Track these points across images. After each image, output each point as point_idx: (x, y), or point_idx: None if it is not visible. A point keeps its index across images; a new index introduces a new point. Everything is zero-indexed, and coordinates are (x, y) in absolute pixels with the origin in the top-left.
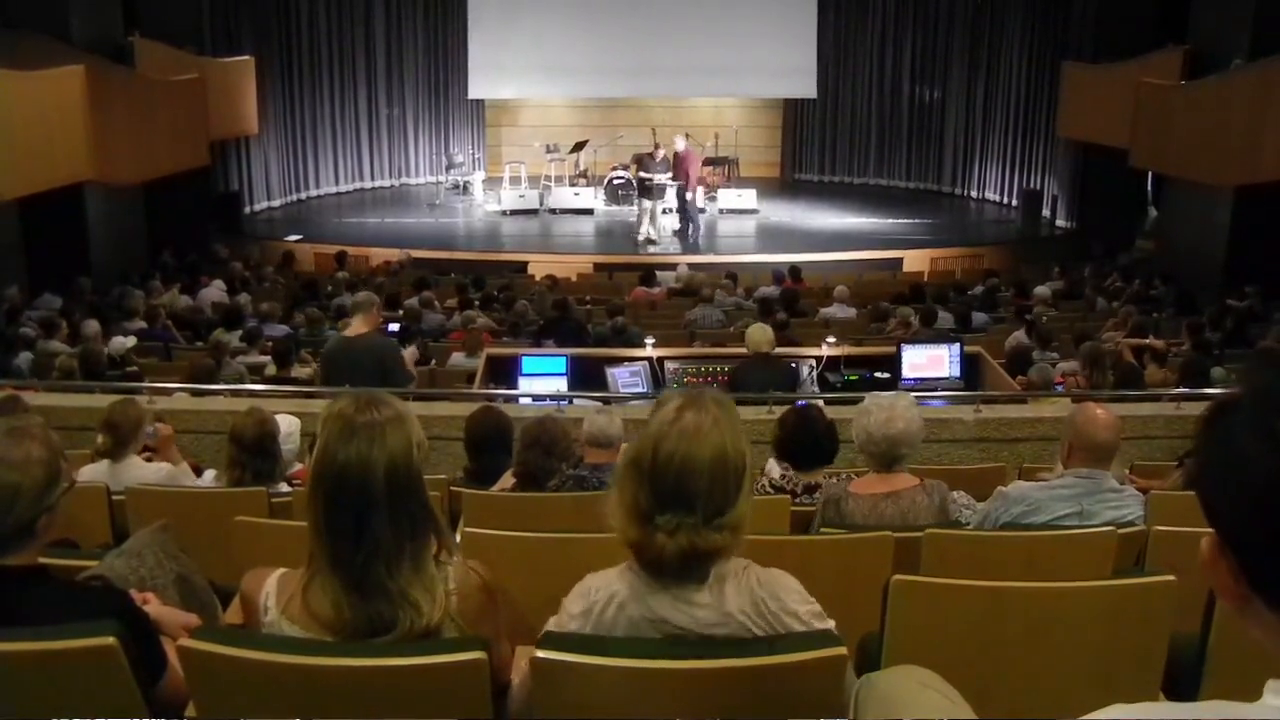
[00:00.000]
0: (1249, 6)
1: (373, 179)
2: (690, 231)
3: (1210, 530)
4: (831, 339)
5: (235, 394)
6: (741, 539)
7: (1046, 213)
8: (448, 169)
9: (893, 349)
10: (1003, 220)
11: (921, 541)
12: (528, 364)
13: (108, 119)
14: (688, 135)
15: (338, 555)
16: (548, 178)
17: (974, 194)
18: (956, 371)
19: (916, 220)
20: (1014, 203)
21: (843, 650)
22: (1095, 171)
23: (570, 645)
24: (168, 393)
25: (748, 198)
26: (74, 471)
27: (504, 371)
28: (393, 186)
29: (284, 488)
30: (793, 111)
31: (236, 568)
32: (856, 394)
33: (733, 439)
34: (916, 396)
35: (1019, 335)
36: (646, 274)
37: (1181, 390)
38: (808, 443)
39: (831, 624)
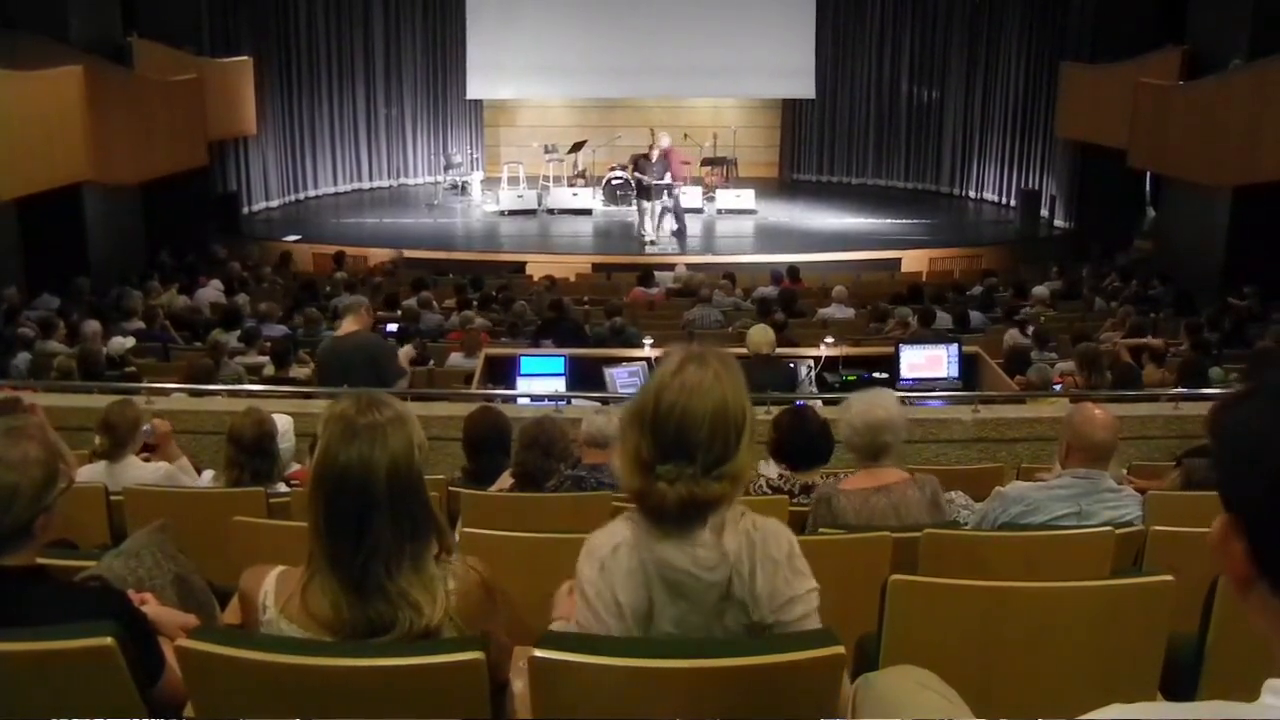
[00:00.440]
0: (1247, 7)
1: (371, 179)
2: (675, 228)
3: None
4: (830, 339)
5: (233, 394)
6: (741, 488)
7: (1045, 213)
8: (446, 169)
9: (891, 349)
10: (1001, 220)
11: (919, 542)
12: (526, 364)
13: (106, 119)
14: (685, 135)
15: (337, 556)
16: (546, 178)
17: (972, 194)
18: (955, 372)
19: (915, 220)
20: (1012, 203)
21: (840, 650)
22: (1093, 172)
23: (569, 645)
24: (166, 393)
25: (746, 198)
26: (72, 471)
27: (502, 372)
28: (391, 187)
29: (282, 488)
30: (791, 112)
31: (234, 568)
32: None
33: (734, 393)
34: (915, 397)
35: (1013, 334)
36: (645, 274)
37: (1180, 390)
38: (803, 443)
39: (814, 584)
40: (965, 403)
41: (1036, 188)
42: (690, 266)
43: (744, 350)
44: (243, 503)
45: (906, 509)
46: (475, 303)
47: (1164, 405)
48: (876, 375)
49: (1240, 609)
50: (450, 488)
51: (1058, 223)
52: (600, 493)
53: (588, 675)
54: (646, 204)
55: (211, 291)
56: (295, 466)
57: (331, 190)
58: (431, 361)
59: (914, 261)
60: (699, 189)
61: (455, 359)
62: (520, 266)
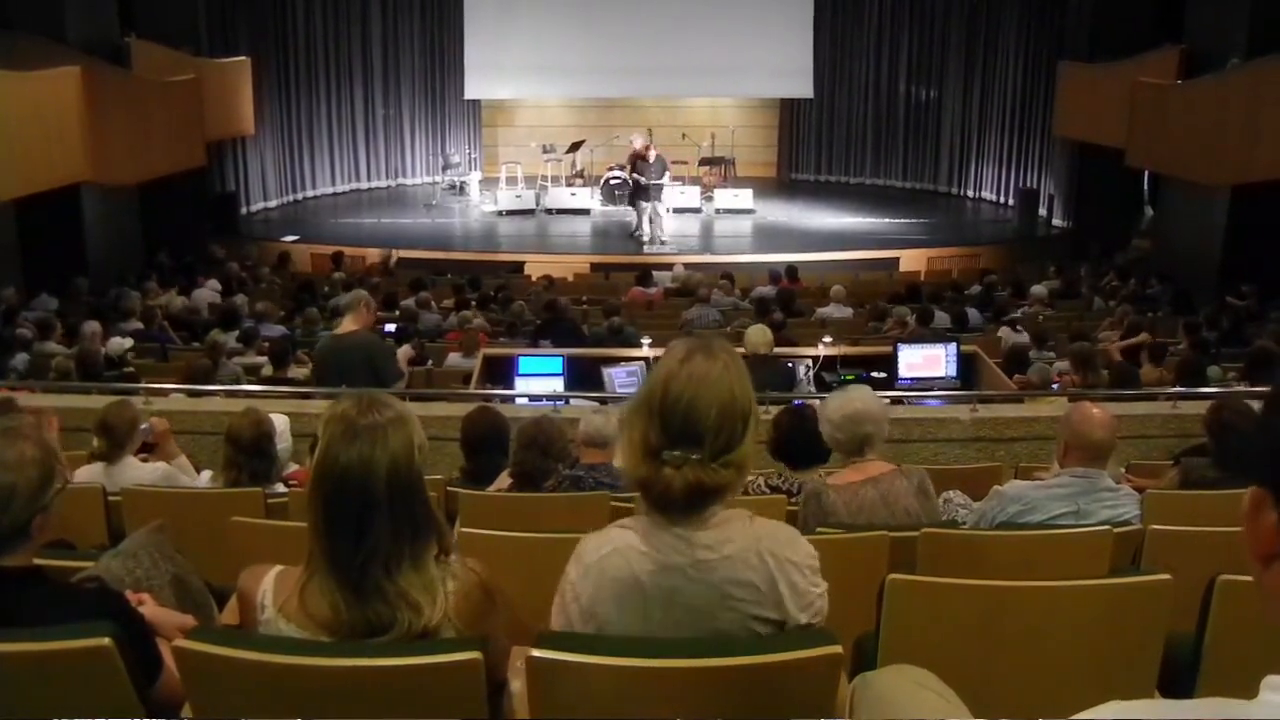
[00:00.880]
0: (1245, 6)
1: (369, 179)
2: (652, 228)
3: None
4: (828, 339)
5: (232, 395)
6: (745, 478)
7: (1043, 212)
8: (444, 169)
9: (889, 349)
10: (999, 220)
11: (917, 541)
12: (524, 364)
13: (104, 120)
14: (684, 135)
15: (337, 556)
16: (544, 178)
17: (970, 193)
18: (953, 371)
19: (913, 220)
20: (1010, 202)
21: (838, 650)
22: (1091, 171)
23: (567, 645)
24: (164, 393)
25: (744, 198)
26: (70, 472)
27: (500, 372)
28: (389, 187)
29: (280, 488)
30: (789, 111)
31: (232, 568)
32: None
33: (740, 384)
34: (913, 396)
35: (1005, 332)
36: (643, 274)
37: (1178, 390)
38: (802, 442)
39: (824, 585)
40: (963, 402)
41: (1034, 187)
42: (688, 266)
43: (742, 350)
44: (241, 503)
45: (895, 498)
46: (474, 303)
47: (1162, 404)
48: (875, 375)
49: (1255, 582)
50: (448, 488)
51: (1056, 222)
52: (598, 493)
53: (585, 675)
54: (645, 204)
55: (209, 292)
56: (293, 467)
57: (330, 190)
58: (430, 361)
59: (912, 261)
60: (697, 189)
61: (453, 359)
62: (518, 266)
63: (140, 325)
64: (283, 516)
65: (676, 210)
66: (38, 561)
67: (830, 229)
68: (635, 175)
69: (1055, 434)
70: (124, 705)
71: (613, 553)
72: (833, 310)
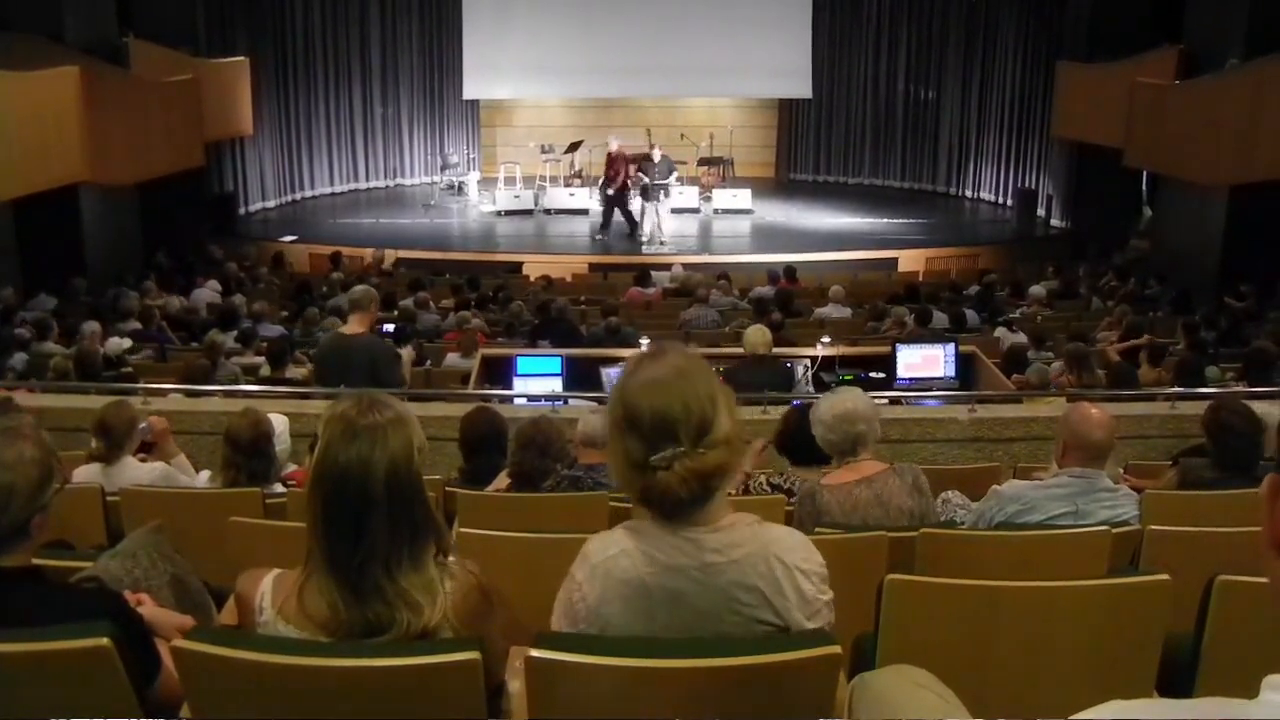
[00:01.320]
0: (1244, 6)
1: (368, 180)
2: (631, 230)
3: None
4: (826, 339)
5: (230, 395)
6: (737, 453)
7: (1041, 212)
8: (443, 169)
9: (888, 349)
10: (998, 220)
11: (916, 541)
12: (522, 364)
13: (102, 120)
14: (682, 135)
15: (335, 556)
16: (543, 178)
17: (969, 194)
18: (951, 371)
19: (911, 220)
20: (1009, 202)
21: (837, 650)
22: (1090, 171)
23: (566, 645)
24: (163, 393)
25: (743, 198)
26: (69, 472)
27: (499, 372)
28: (388, 187)
29: (278, 488)
30: (788, 111)
31: (231, 568)
32: None
33: (695, 372)
34: (912, 396)
35: (1002, 332)
36: (642, 274)
37: (1176, 390)
38: (806, 440)
39: (830, 594)
40: (962, 402)
41: (1033, 187)
42: (687, 266)
43: (741, 350)
44: (239, 503)
45: (890, 497)
46: (472, 303)
47: (1160, 405)
48: (873, 375)
49: (1266, 569)
50: (447, 488)
51: (1054, 222)
52: (597, 493)
53: (584, 675)
54: (648, 204)
55: (208, 292)
56: (291, 467)
57: (328, 190)
58: (429, 361)
59: (910, 261)
60: (696, 189)
61: (452, 359)
62: (517, 267)
63: (139, 325)
64: (281, 517)
65: (675, 210)
66: (36, 561)
67: (828, 229)
68: (640, 175)
69: (1054, 434)
70: (122, 705)
71: (620, 554)
72: (831, 310)
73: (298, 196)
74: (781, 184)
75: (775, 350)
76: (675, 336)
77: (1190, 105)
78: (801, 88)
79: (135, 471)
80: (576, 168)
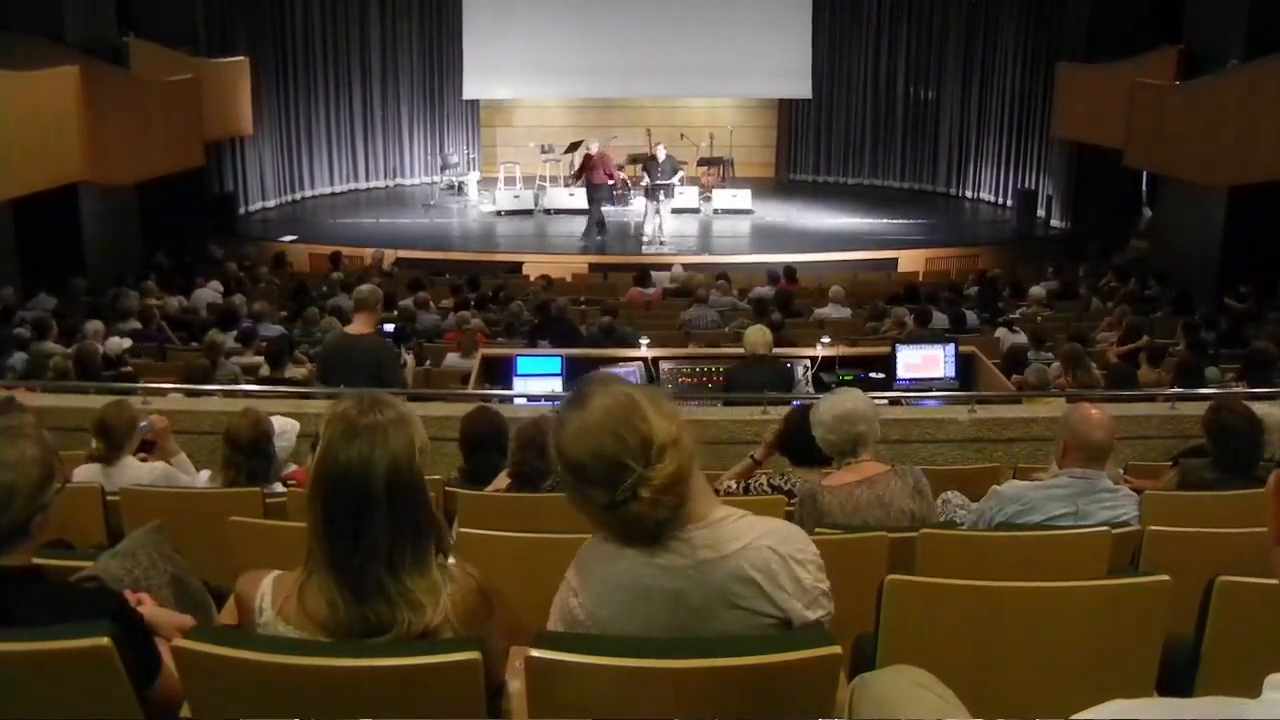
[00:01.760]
0: (1244, 7)
1: (368, 179)
2: (599, 232)
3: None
4: (826, 339)
5: (230, 394)
6: (687, 451)
7: (1041, 213)
8: (442, 169)
9: (888, 349)
10: (997, 220)
11: (916, 541)
12: (522, 364)
13: (102, 120)
14: (682, 135)
15: (336, 555)
16: (542, 178)
17: (969, 194)
18: (951, 372)
19: (911, 220)
20: (1009, 203)
21: (837, 650)
22: (1090, 171)
23: (566, 645)
24: (162, 393)
25: (742, 198)
26: (69, 472)
27: (499, 372)
28: (388, 187)
29: (279, 488)
30: (787, 112)
31: (231, 568)
32: None
33: (615, 406)
34: (912, 397)
35: (1003, 333)
36: (641, 274)
37: (1176, 390)
38: (809, 440)
39: (828, 582)
40: (962, 403)
41: (1033, 187)
42: (687, 267)
43: (741, 350)
44: (239, 503)
45: (891, 498)
46: (473, 303)
47: (1160, 405)
48: (873, 375)
49: (1273, 562)
50: (447, 488)
51: (1054, 222)
52: None
53: (584, 675)
54: (652, 204)
55: (209, 292)
56: (292, 467)
57: (328, 190)
58: (428, 361)
59: (910, 261)
60: (696, 189)
61: (452, 359)
62: (517, 266)
63: (138, 325)
64: (281, 516)
65: (675, 210)
66: (36, 561)
67: (828, 229)
68: (646, 174)
69: (1054, 435)
70: (122, 705)
71: (615, 557)
72: (831, 311)
73: (298, 196)
74: (781, 184)
75: (775, 350)
76: (675, 336)
77: (1190, 106)
78: (801, 88)
79: (135, 471)
80: (576, 168)
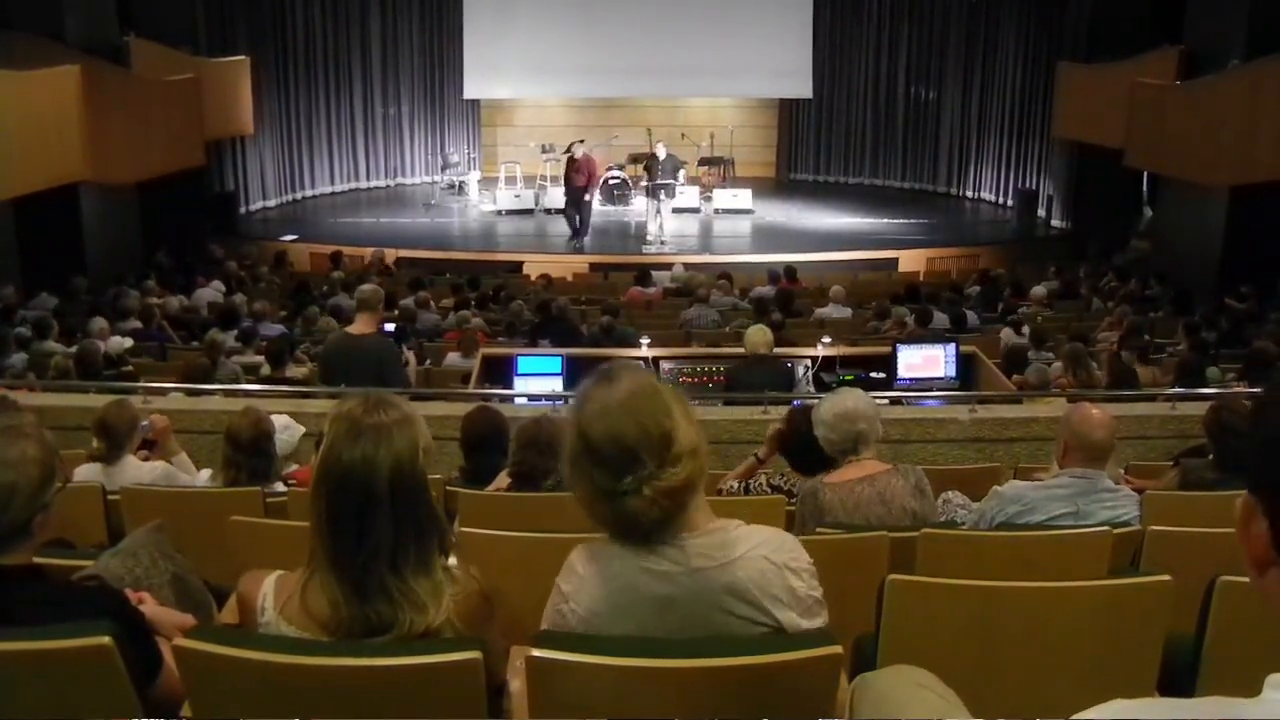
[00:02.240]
0: (1244, 7)
1: (368, 179)
2: (582, 234)
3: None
4: (827, 339)
5: (230, 394)
6: (703, 460)
7: (1042, 212)
8: (443, 169)
9: (888, 349)
10: (998, 220)
11: (917, 541)
12: (523, 364)
13: (103, 119)
14: (683, 135)
15: (338, 555)
16: (543, 178)
17: (969, 194)
18: (952, 372)
19: (912, 220)
20: (1009, 203)
21: (838, 650)
22: (1090, 171)
23: (567, 644)
24: (163, 392)
25: (743, 198)
26: (70, 471)
27: (499, 371)
28: (388, 186)
29: (279, 487)
30: (788, 111)
31: (232, 567)
32: None
33: (649, 390)
34: (912, 396)
35: (1008, 334)
36: (642, 274)
37: (1177, 390)
38: (810, 442)
39: (820, 590)
40: (962, 402)
41: (1033, 187)
42: (687, 266)
43: (741, 350)
44: (240, 502)
45: (893, 496)
46: (473, 302)
47: (1161, 405)
48: (874, 375)
49: (1253, 589)
50: (448, 487)
51: (1055, 222)
52: None
53: (585, 675)
54: (654, 204)
55: (210, 292)
56: (294, 466)
57: (329, 190)
58: (429, 361)
59: (911, 261)
60: (696, 189)
61: (452, 359)
62: (517, 266)
63: (139, 324)
64: (282, 516)
65: (675, 210)
66: (37, 560)
67: (829, 229)
68: (648, 173)
69: (1054, 434)
70: (123, 704)
71: (607, 563)
72: (831, 310)
73: (298, 196)
74: (782, 184)
75: (776, 350)
76: (676, 336)
77: (1191, 106)
78: (802, 88)
79: (136, 471)
80: (563, 170)
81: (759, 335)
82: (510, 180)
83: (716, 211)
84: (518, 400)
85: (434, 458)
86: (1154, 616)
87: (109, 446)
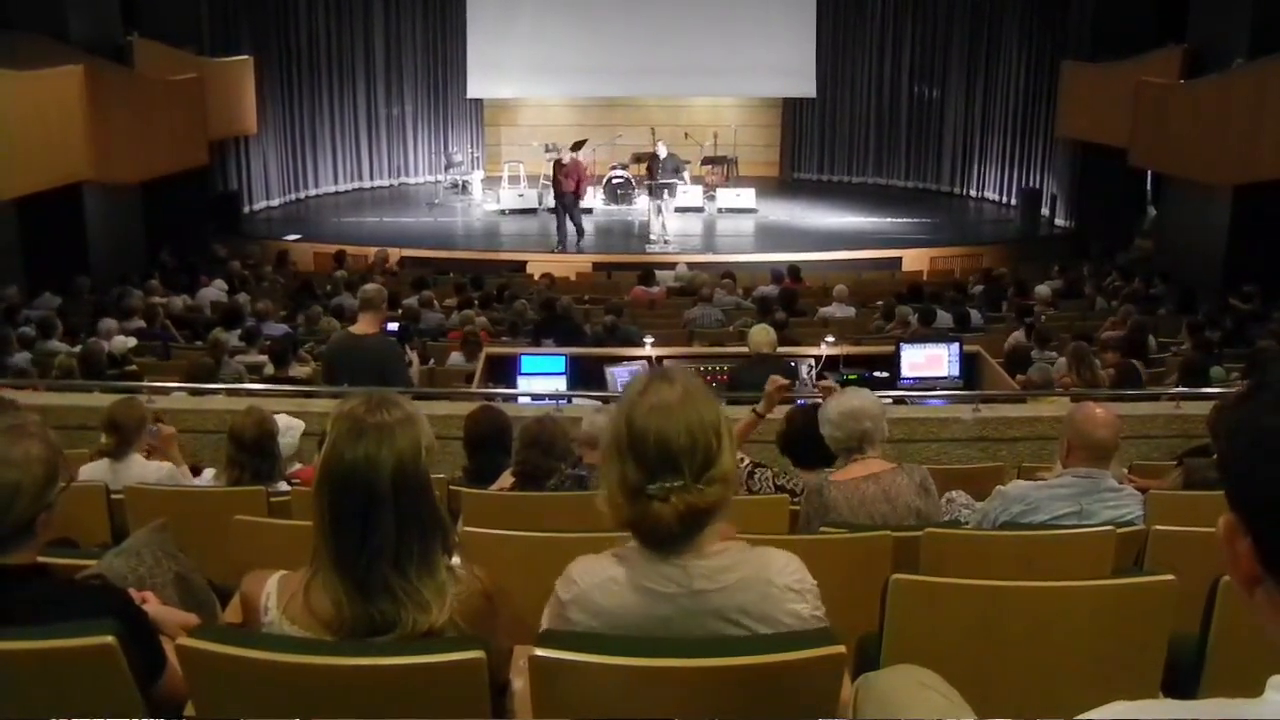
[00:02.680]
0: (1247, 6)
1: (372, 178)
2: (576, 237)
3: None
4: (830, 338)
5: (234, 393)
6: (732, 491)
7: (1045, 212)
8: (446, 168)
9: (891, 348)
10: (1002, 219)
11: (920, 541)
12: (527, 363)
13: (106, 119)
14: (686, 135)
15: (341, 554)
16: (546, 177)
17: (973, 193)
18: (955, 371)
19: (915, 219)
20: (1013, 202)
21: (841, 650)
22: (1094, 170)
23: (570, 644)
24: (166, 392)
25: (746, 197)
26: (74, 470)
27: (503, 371)
28: (392, 186)
29: (283, 486)
30: (791, 111)
31: (235, 567)
32: None
33: (705, 403)
34: (916, 396)
35: (1018, 335)
36: (645, 273)
37: (1181, 390)
38: (811, 441)
39: (823, 609)
40: (966, 402)
41: (1037, 187)
42: (691, 265)
43: (745, 349)
44: (243, 502)
45: (897, 494)
46: (477, 301)
47: (1165, 404)
48: (877, 374)
49: (1245, 608)
50: (451, 487)
51: (1058, 222)
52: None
53: (588, 674)
54: (657, 203)
55: (214, 291)
56: (297, 465)
57: (332, 189)
58: (432, 360)
59: (915, 260)
60: (700, 188)
61: (456, 358)
62: (521, 265)
63: (143, 324)
64: (285, 515)
65: (679, 210)
66: (41, 559)
67: (832, 228)
68: (647, 173)
69: (1058, 434)
70: (127, 703)
71: (606, 580)
72: (835, 310)
73: (302, 195)
74: (785, 183)
75: (779, 350)
76: (679, 335)
77: (1194, 105)
78: (805, 87)
79: (142, 469)
80: (551, 176)
81: (761, 334)
82: (513, 180)
83: (720, 211)
84: (521, 400)
85: (437, 457)
86: (1158, 616)
87: (118, 442)
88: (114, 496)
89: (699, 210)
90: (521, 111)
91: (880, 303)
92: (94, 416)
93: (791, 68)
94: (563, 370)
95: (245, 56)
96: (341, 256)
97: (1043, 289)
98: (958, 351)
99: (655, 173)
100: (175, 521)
